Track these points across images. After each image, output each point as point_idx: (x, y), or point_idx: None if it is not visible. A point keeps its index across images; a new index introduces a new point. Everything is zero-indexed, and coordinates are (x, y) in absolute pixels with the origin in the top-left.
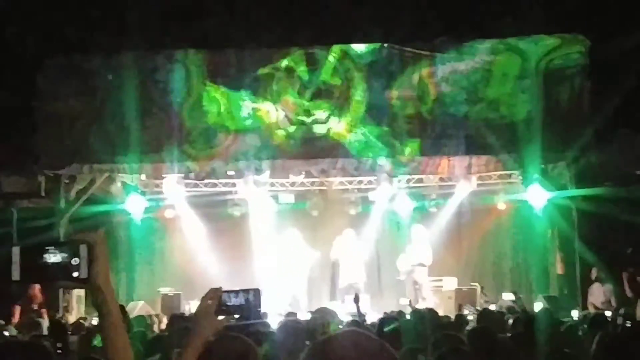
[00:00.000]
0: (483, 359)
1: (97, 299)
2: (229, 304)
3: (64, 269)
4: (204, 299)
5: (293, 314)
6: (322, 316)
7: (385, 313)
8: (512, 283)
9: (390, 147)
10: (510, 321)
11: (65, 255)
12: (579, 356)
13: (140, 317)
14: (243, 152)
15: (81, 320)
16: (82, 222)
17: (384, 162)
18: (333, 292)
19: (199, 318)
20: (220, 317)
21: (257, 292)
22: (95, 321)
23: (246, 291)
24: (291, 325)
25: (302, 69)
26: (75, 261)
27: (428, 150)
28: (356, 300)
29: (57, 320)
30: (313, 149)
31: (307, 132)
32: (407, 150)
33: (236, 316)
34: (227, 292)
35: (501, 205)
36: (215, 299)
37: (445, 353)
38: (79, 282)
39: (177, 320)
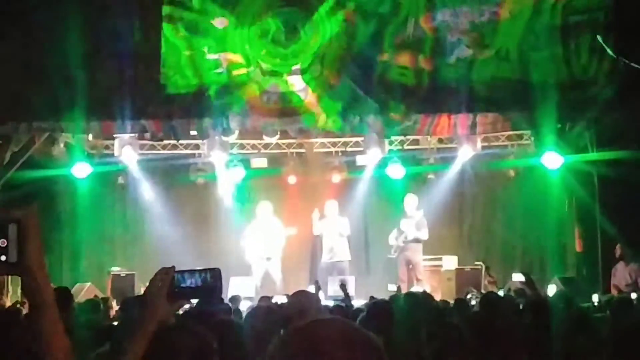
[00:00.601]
0: (487, 351)
1: (28, 287)
2: (183, 285)
3: None
4: (153, 281)
5: (267, 297)
6: (301, 301)
7: (372, 297)
8: (522, 262)
9: (381, 102)
10: (520, 307)
11: None
12: (598, 347)
13: (89, 302)
14: (207, 108)
15: (18, 305)
16: (18, 190)
17: (373, 120)
18: (313, 272)
19: (148, 303)
20: (174, 303)
21: (216, 273)
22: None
23: (204, 271)
24: (263, 311)
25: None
26: (2, 243)
27: (425, 106)
28: (342, 287)
29: None
30: (290, 104)
31: (284, 85)
32: (401, 106)
33: (194, 301)
34: (181, 272)
35: (510, 172)
36: (167, 281)
37: (442, 344)
38: (8, 268)
39: (131, 304)
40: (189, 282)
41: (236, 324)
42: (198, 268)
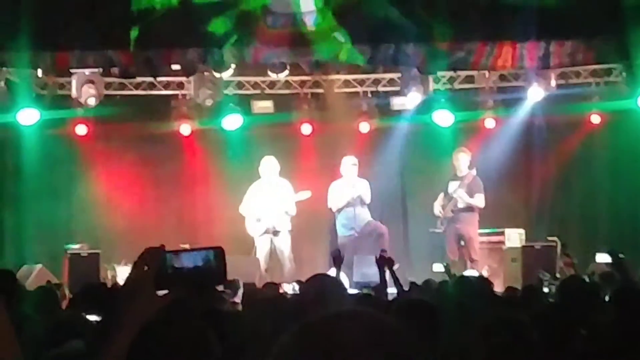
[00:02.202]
0: (562, 355)
1: None
2: (177, 266)
3: None
4: (137, 265)
5: (273, 285)
6: (319, 288)
7: (412, 284)
8: (610, 238)
9: (423, 26)
10: (607, 297)
11: None
12: None
13: (42, 290)
14: (195, 33)
15: None
16: None
17: (413, 50)
18: (334, 252)
19: (131, 291)
20: (163, 292)
21: (219, 253)
22: None
23: (204, 250)
24: (270, 301)
25: None
26: None
27: (482, 31)
28: (389, 263)
29: None
30: (302, 29)
31: (295, 4)
32: (450, 31)
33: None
34: (174, 252)
35: (595, 118)
36: (155, 264)
37: (501, 345)
38: None
39: (94, 292)
40: (185, 262)
41: (238, 317)
42: (196, 247)
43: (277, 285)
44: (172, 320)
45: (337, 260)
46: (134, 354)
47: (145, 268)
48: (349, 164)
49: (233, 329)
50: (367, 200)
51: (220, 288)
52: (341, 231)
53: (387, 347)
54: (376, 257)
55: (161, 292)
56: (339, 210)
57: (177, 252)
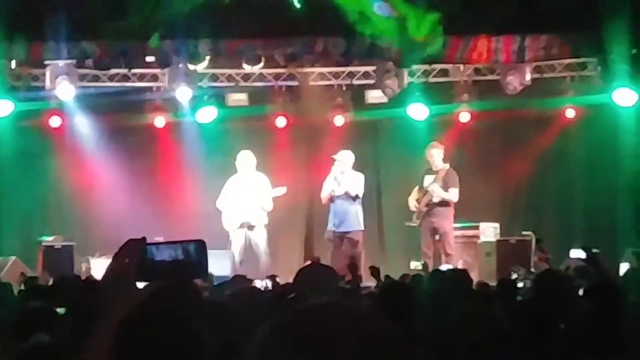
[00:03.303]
0: (539, 352)
1: None
2: (157, 259)
3: None
4: (118, 256)
5: (243, 278)
6: (314, 279)
7: (387, 277)
8: (585, 233)
9: (399, 19)
10: (582, 291)
11: None
12: None
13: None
14: (168, 23)
15: None
16: None
17: (388, 42)
18: (309, 246)
19: (111, 285)
20: (143, 284)
21: (200, 245)
22: None
23: (185, 243)
24: (247, 294)
25: None
26: None
27: (457, 25)
28: (352, 267)
29: None
30: (279, 20)
31: None
32: (426, 24)
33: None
34: (155, 244)
35: (569, 112)
36: (136, 256)
37: (477, 342)
38: None
39: (69, 285)
40: (166, 255)
41: (225, 306)
42: (177, 240)
43: (247, 281)
44: (157, 310)
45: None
46: (118, 346)
47: (126, 260)
48: (337, 159)
49: (223, 319)
50: (353, 193)
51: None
52: (329, 225)
53: (368, 336)
54: (347, 264)
55: (142, 284)
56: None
57: (157, 245)
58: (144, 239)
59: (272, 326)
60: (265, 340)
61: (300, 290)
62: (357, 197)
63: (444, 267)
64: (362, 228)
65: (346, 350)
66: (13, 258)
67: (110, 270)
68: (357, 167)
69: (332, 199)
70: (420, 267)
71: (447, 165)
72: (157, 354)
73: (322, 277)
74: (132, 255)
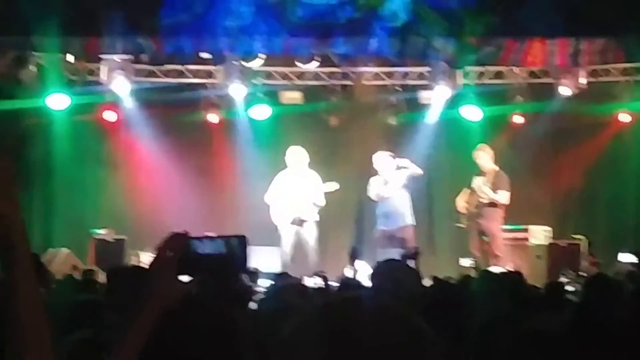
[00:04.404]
0: (588, 356)
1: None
2: (200, 252)
3: None
4: (160, 249)
5: (287, 275)
6: (394, 275)
7: (434, 278)
8: (636, 237)
9: (454, 21)
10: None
11: None
12: None
13: (69, 276)
14: (223, 22)
15: None
16: None
17: (442, 44)
18: (360, 243)
19: (153, 277)
20: (185, 277)
21: (242, 241)
22: None
23: (226, 239)
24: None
25: None
26: None
27: (512, 27)
28: (411, 255)
29: None
30: (333, 20)
31: None
32: (480, 26)
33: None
34: (198, 239)
35: (624, 116)
36: (178, 250)
37: (524, 342)
38: None
39: (121, 277)
40: (207, 250)
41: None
42: (219, 235)
43: (292, 278)
44: (196, 301)
45: (352, 257)
46: (154, 340)
47: (169, 253)
48: (378, 159)
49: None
50: (397, 198)
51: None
52: (377, 224)
53: (390, 333)
54: (403, 252)
55: (184, 278)
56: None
57: (200, 239)
58: (186, 232)
59: (309, 314)
60: (301, 327)
61: (378, 287)
62: (406, 187)
63: (493, 268)
64: (413, 224)
65: (373, 346)
66: (65, 250)
67: (153, 263)
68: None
69: (380, 198)
70: (470, 264)
71: (497, 168)
72: (195, 349)
73: (399, 275)
74: (175, 248)
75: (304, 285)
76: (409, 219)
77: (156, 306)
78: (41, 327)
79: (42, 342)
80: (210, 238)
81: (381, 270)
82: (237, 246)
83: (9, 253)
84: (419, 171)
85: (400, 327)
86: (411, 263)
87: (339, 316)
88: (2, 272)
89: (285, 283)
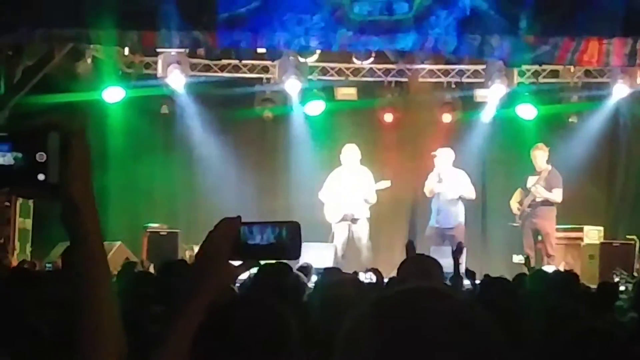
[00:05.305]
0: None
1: (71, 219)
2: (251, 242)
3: (21, 168)
4: (212, 234)
5: (337, 270)
6: (419, 269)
7: (487, 276)
8: None
9: (510, 18)
10: None
11: (23, 148)
12: None
13: (128, 266)
14: (280, 16)
15: (25, 265)
16: (31, 117)
17: (498, 42)
18: (412, 241)
19: (204, 263)
20: (237, 263)
21: (294, 227)
22: (49, 266)
23: (278, 225)
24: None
25: None
26: (40, 157)
27: (569, 26)
28: (457, 251)
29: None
30: (390, 17)
31: None
32: (537, 25)
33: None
34: (249, 224)
35: None
36: (231, 235)
37: (574, 342)
38: (45, 190)
39: (174, 269)
40: (258, 238)
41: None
42: (272, 221)
43: (356, 274)
44: (247, 297)
45: (409, 252)
46: (205, 334)
47: (221, 238)
48: (437, 155)
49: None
50: (457, 196)
51: (296, 272)
52: (430, 221)
53: (465, 326)
54: (453, 249)
55: (235, 263)
56: (429, 200)
57: (252, 224)
58: (239, 217)
59: (369, 306)
60: (360, 320)
61: (404, 279)
62: (461, 197)
63: (546, 267)
64: (463, 223)
65: (440, 336)
66: (118, 243)
67: (204, 248)
68: (462, 165)
69: (434, 195)
70: (522, 261)
71: (550, 167)
72: (242, 341)
73: (428, 267)
74: (227, 234)
75: (358, 280)
76: (461, 217)
77: (208, 292)
78: (113, 313)
79: (114, 329)
80: (263, 224)
81: (409, 262)
82: (290, 233)
83: (83, 242)
84: (471, 196)
85: (464, 321)
86: (457, 259)
87: (399, 309)
88: (76, 260)
89: (339, 277)
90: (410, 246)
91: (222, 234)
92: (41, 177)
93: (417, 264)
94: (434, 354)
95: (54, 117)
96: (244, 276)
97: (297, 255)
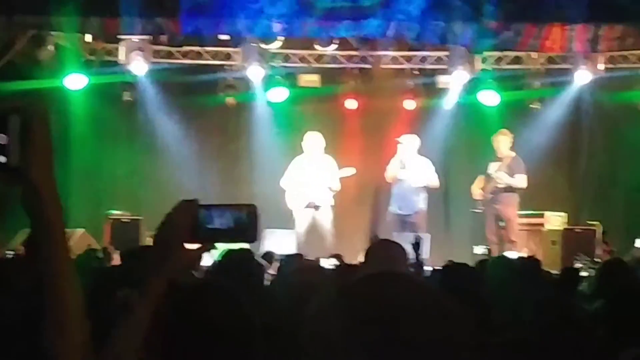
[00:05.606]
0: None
1: (32, 203)
2: (209, 226)
3: None
4: (169, 217)
5: (300, 256)
6: (388, 255)
7: (450, 262)
8: None
9: (473, 5)
10: None
11: None
12: None
13: (91, 252)
14: (242, 3)
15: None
16: None
17: (461, 28)
18: (375, 227)
19: (161, 246)
20: (194, 246)
21: (252, 210)
22: (10, 253)
23: (237, 207)
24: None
25: None
26: (1, 139)
27: (531, 12)
28: (416, 245)
29: None
30: (353, 3)
31: None
32: (499, 11)
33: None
34: (207, 207)
35: None
36: (188, 218)
37: (547, 329)
38: (5, 173)
39: (137, 257)
40: (217, 222)
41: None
42: (229, 203)
43: (310, 260)
44: (208, 283)
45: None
46: (163, 320)
47: (179, 221)
48: (401, 142)
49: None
50: (413, 183)
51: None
52: (391, 207)
53: (428, 309)
54: (416, 237)
55: (192, 246)
56: (391, 186)
57: (210, 207)
58: (196, 200)
59: (333, 294)
60: (325, 307)
61: (370, 265)
62: (424, 186)
63: (508, 254)
64: (425, 210)
65: (405, 320)
66: (81, 230)
67: (160, 232)
68: (425, 152)
69: (395, 182)
70: (485, 253)
71: (513, 153)
72: (200, 328)
73: (394, 253)
74: (184, 216)
75: (320, 266)
76: (422, 204)
77: (164, 276)
78: (77, 299)
79: (77, 313)
80: (222, 206)
81: (375, 248)
82: (249, 215)
83: (44, 227)
84: (435, 184)
85: (428, 303)
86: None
87: (364, 294)
88: (37, 245)
89: (301, 263)
90: (374, 241)
91: (179, 216)
92: (2, 159)
93: (384, 250)
94: (399, 339)
95: (15, 100)
96: (207, 262)
97: (255, 237)
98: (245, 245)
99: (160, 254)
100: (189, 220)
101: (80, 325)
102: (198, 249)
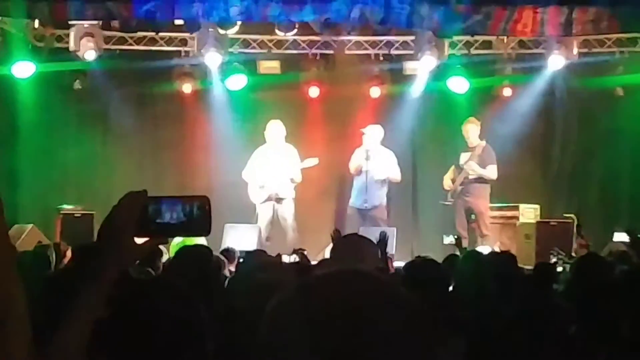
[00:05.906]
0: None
1: None
2: (159, 221)
3: None
4: (116, 209)
5: (262, 252)
6: (357, 249)
7: (418, 257)
8: (630, 217)
9: None
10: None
11: None
12: None
13: (40, 249)
14: None
15: None
16: None
17: (428, 11)
18: (340, 220)
19: (107, 239)
20: (142, 240)
21: (204, 202)
22: None
23: (188, 200)
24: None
25: None
26: None
27: None
28: (382, 243)
29: None
30: None
31: None
32: None
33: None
34: (156, 199)
35: (618, 90)
36: (136, 210)
37: (521, 326)
38: None
39: (91, 252)
40: (167, 216)
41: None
42: (179, 195)
43: (273, 256)
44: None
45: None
46: (111, 317)
47: (126, 214)
48: (366, 133)
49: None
50: (377, 176)
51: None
52: (352, 201)
53: (390, 306)
54: (381, 232)
55: (140, 240)
56: (353, 179)
57: (159, 199)
58: (144, 191)
59: (291, 291)
60: (285, 303)
61: (337, 261)
62: (387, 179)
63: (480, 248)
64: (385, 204)
65: (365, 319)
66: (30, 226)
67: (107, 224)
68: (391, 141)
69: (358, 173)
70: (453, 242)
71: (484, 142)
72: (148, 327)
73: (361, 247)
74: (132, 208)
75: (282, 263)
76: (383, 197)
77: (110, 271)
78: (19, 302)
79: (20, 315)
80: (172, 199)
81: (343, 242)
82: (200, 208)
83: None
84: (397, 178)
85: (390, 302)
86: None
87: (323, 292)
88: None
89: (263, 260)
90: (336, 234)
91: (126, 208)
92: None
93: (351, 245)
94: (361, 336)
95: None
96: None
97: (207, 231)
98: (203, 240)
99: (105, 248)
100: (137, 213)
101: (23, 327)
102: (147, 242)
